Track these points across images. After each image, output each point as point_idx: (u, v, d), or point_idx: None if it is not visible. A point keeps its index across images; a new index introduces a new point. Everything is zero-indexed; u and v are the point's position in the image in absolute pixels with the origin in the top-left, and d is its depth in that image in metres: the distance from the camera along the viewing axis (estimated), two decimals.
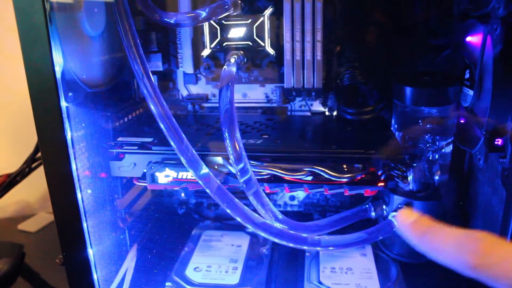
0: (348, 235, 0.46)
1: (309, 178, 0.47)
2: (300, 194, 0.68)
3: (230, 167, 0.48)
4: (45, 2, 0.37)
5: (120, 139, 0.53)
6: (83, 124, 0.45)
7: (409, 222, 0.28)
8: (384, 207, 0.51)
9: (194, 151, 0.46)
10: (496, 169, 0.44)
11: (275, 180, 0.48)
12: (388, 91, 0.54)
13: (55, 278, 0.66)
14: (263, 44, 0.57)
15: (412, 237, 0.28)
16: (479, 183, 0.50)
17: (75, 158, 0.43)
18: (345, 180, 0.47)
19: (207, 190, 0.46)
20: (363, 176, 0.47)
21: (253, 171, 0.46)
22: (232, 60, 0.52)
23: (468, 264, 0.22)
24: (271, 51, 0.57)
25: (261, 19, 0.56)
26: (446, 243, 0.24)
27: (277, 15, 0.56)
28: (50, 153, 0.42)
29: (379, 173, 0.47)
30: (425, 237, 0.26)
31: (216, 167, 0.49)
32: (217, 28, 0.57)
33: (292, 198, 0.68)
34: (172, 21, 0.47)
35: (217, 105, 0.64)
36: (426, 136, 0.50)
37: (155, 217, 0.68)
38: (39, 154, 0.75)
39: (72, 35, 0.44)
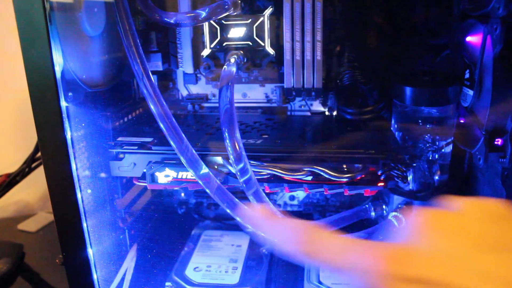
0: (348, 235, 0.46)
1: (309, 178, 0.47)
2: (300, 194, 0.68)
3: (230, 167, 0.48)
4: (45, 2, 0.37)
5: (120, 139, 0.53)
6: (83, 124, 0.45)
7: (254, 214, 0.30)
8: (384, 207, 0.51)
9: (194, 151, 0.46)
10: (496, 169, 0.44)
11: (275, 180, 0.48)
12: (388, 91, 0.54)
13: (55, 278, 0.66)
14: (263, 44, 0.57)
15: (257, 230, 0.30)
16: (479, 183, 0.50)
17: (75, 158, 0.43)
18: (345, 180, 0.47)
19: (207, 190, 0.46)
20: (363, 176, 0.47)
21: (253, 171, 0.46)
22: (232, 60, 0.52)
23: (295, 252, 0.25)
24: (271, 51, 0.57)
25: (261, 19, 0.56)
26: (282, 233, 0.27)
27: (277, 15, 0.56)
28: (50, 153, 0.42)
29: (379, 173, 0.47)
30: (268, 228, 0.28)
31: (216, 167, 0.49)
32: (217, 28, 0.57)
33: (292, 198, 0.68)
34: (172, 21, 0.47)
35: (217, 105, 0.64)
36: (426, 136, 0.50)
37: (155, 217, 0.68)
38: (39, 154, 0.75)
39: (72, 35, 0.44)
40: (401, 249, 0.22)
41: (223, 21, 0.56)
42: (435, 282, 0.20)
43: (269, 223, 0.28)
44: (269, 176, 0.48)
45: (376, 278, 0.21)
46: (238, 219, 0.45)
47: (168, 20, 0.47)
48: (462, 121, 0.51)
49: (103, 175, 0.51)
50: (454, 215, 0.24)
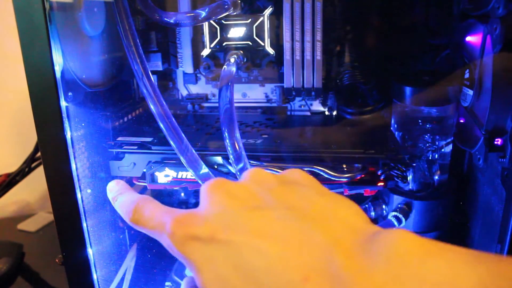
0: None
1: None
2: None
3: (229, 167, 0.48)
4: (44, 2, 0.37)
5: (119, 138, 0.53)
6: (83, 124, 0.45)
7: (108, 187, 0.35)
8: (383, 207, 0.51)
9: (193, 151, 0.46)
10: (495, 169, 0.44)
11: None
12: (387, 91, 0.54)
13: (54, 277, 0.66)
14: (262, 43, 0.57)
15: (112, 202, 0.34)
16: (478, 183, 0.50)
17: (75, 158, 0.43)
18: (344, 180, 0.47)
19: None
20: (363, 176, 0.47)
21: None
22: (232, 60, 0.52)
23: (127, 220, 0.30)
24: (270, 50, 0.57)
25: (261, 18, 0.56)
26: (122, 205, 0.31)
27: (276, 15, 0.56)
28: (50, 152, 0.42)
29: (379, 173, 0.47)
30: (115, 201, 0.33)
31: (216, 166, 0.49)
32: (216, 28, 0.57)
33: None
34: (171, 21, 0.47)
35: (217, 104, 0.65)
36: (426, 136, 0.50)
37: None
38: (39, 154, 0.75)
39: (71, 34, 0.44)
40: (189, 212, 0.25)
41: (223, 21, 0.56)
42: (210, 238, 0.23)
43: (116, 197, 0.33)
44: None
45: (168, 238, 0.25)
46: None
47: (168, 20, 0.47)
48: (462, 121, 0.51)
49: (103, 175, 0.51)
50: (236, 183, 0.28)
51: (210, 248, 0.23)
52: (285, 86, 0.56)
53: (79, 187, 0.44)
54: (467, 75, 0.49)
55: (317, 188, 0.27)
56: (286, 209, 0.24)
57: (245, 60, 0.56)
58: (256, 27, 0.56)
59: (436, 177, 0.49)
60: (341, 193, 0.49)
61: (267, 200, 0.25)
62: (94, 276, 0.48)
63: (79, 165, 0.44)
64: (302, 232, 0.22)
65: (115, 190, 0.34)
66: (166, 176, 0.50)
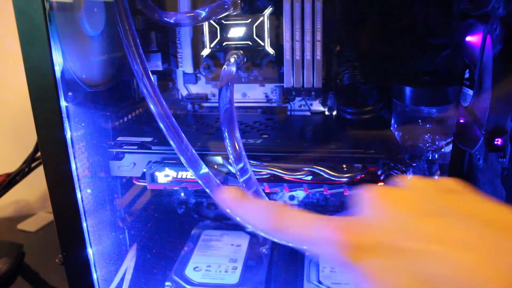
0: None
1: (309, 177, 0.47)
2: (300, 193, 0.68)
3: (229, 167, 0.48)
4: (44, 2, 0.37)
5: (119, 138, 0.53)
6: (83, 124, 0.45)
7: (225, 196, 0.32)
8: None
9: (193, 151, 0.46)
10: (495, 169, 0.44)
11: (274, 179, 0.48)
12: (387, 91, 0.54)
13: (54, 277, 0.66)
14: (262, 43, 0.57)
15: (230, 210, 0.32)
16: (478, 183, 0.50)
17: (74, 158, 0.43)
18: (344, 179, 0.47)
19: (207, 190, 0.46)
20: (363, 175, 0.47)
21: (253, 170, 0.46)
22: (232, 60, 0.52)
23: (266, 229, 0.27)
24: (270, 50, 0.57)
25: (261, 18, 0.56)
26: (253, 213, 0.29)
27: (276, 15, 0.56)
28: (50, 152, 0.42)
29: (379, 172, 0.47)
30: (239, 209, 0.30)
31: (215, 166, 0.49)
32: (216, 28, 0.57)
33: (292, 197, 0.68)
34: (171, 21, 0.47)
35: (216, 104, 0.65)
36: (426, 136, 0.50)
37: (154, 216, 0.68)
38: (39, 154, 0.75)
39: (71, 34, 0.44)
40: (355, 220, 0.24)
41: (223, 21, 0.56)
42: (385, 247, 0.22)
43: (240, 204, 0.30)
44: (269, 175, 0.48)
45: (335, 248, 0.23)
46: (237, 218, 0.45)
47: (168, 20, 0.47)
48: (462, 121, 0.51)
49: (102, 174, 0.51)
50: (399, 190, 0.26)
51: (387, 257, 0.22)
52: (285, 86, 0.56)
53: (79, 187, 0.44)
54: (467, 75, 0.49)
55: (476, 195, 0.25)
56: (464, 215, 0.22)
57: (245, 60, 0.56)
58: (256, 27, 0.56)
59: (436, 177, 0.49)
60: (341, 193, 0.49)
61: (439, 206, 0.24)
62: (94, 276, 0.48)
63: (79, 165, 0.44)
64: (494, 240, 0.20)
65: (238, 195, 0.31)
66: (166, 176, 0.50)
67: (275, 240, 0.27)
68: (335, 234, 0.23)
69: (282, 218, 0.26)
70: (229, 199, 0.31)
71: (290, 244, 0.27)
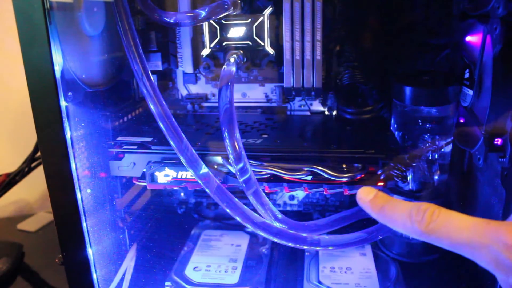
0: (348, 234, 0.46)
1: (309, 177, 0.47)
2: (300, 193, 0.68)
3: (229, 167, 0.48)
4: (44, 2, 0.37)
5: (119, 138, 0.53)
6: (83, 124, 0.45)
7: (368, 198, 0.32)
8: None
9: (193, 151, 0.46)
10: (495, 169, 0.44)
11: (274, 179, 0.48)
12: (387, 91, 0.54)
13: (54, 277, 0.66)
14: (262, 43, 0.57)
15: (372, 212, 0.32)
16: (478, 182, 0.50)
17: (74, 158, 0.43)
18: (344, 179, 0.47)
19: (207, 190, 0.46)
20: (363, 175, 0.47)
21: (253, 170, 0.46)
22: (232, 60, 0.52)
23: (417, 231, 0.26)
24: (270, 50, 0.57)
25: (261, 18, 0.56)
26: (399, 215, 0.28)
27: (276, 15, 0.56)
28: (50, 152, 0.42)
29: (379, 172, 0.47)
30: (383, 211, 0.30)
31: (215, 166, 0.49)
32: (216, 28, 0.57)
33: (292, 197, 0.68)
34: (171, 21, 0.47)
35: (216, 104, 0.65)
36: (426, 136, 0.50)
37: (154, 216, 0.68)
38: (39, 154, 0.75)
39: (71, 34, 0.44)
40: None
41: (222, 21, 0.56)
42: None
43: (387, 206, 0.29)
44: (268, 175, 0.48)
45: (505, 253, 0.22)
46: (238, 218, 0.45)
47: (168, 20, 0.47)
48: (461, 121, 0.51)
49: (102, 174, 0.51)
50: None
51: None
52: (285, 86, 0.56)
53: (79, 187, 0.44)
54: (467, 75, 0.49)
55: None
56: None
57: (245, 60, 0.56)
58: (256, 27, 0.56)
59: (436, 177, 0.49)
60: (341, 193, 0.49)
61: None
62: (94, 276, 0.48)
63: (79, 165, 0.44)
64: None
65: (379, 196, 0.31)
66: (166, 176, 0.50)
67: (423, 239, 0.26)
68: (505, 236, 0.22)
69: (437, 218, 0.25)
70: (370, 199, 0.31)
71: (442, 247, 0.26)
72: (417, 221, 0.26)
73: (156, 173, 0.50)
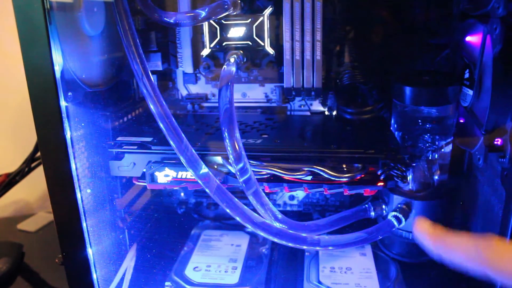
0: (348, 234, 0.46)
1: (309, 177, 0.47)
2: (300, 193, 0.68)
3: (229, 167, 0.48)
4: (44, 1, 0.37)
5: (119, 138, 0.53)
6: (83, 124, 0.45)
7: (426, 231, 0.32)
8: (383, 206, 0.51)
9: (193, 151, 0.46)
10: (495, 169, 0.44)
11: (274, 179, 0.48)
12: (387, 91, 0.54)
13: (54, 277, 0.66)
14: (262, 43, 0.57)
15: (429, 246, 0.31)
16: (478, 183, 0.50)
17: (74, 158, 0.43)
18: (344, 179, 0.47)
19: (207, 190, 0.46)
20: (363, 175, 0.47)
21: (253, 170, 0.46)
22: (232, 60, 0.52)
23: (481, 269, 0.26)
24: (270, 50, 0.57)
25: (261, 18, 0.56)
26: (460, 251, 0.27)
27: (276, 15, 0.56)
28: (50, 152, 0.42)
29: (379, 172, 0.47)
30: (442, 246, 0.29)
31: (215, 166, 0.49)
32: (216, 28, 0.57)
33: (292, 197, 0.68)
34: (171, 21, 0.47)
35: (216, 104, 0.65)
36: (426, 136, 0.50)
37: (154, 216, 0.68)
38: (39, 154, 0.74)
39: (71, 34, 0.44)
40: None
41: (222, 21, 0.56)
42: None
43: (446, 241, 0.29)
44: (268, 175, 0.48)
45: None
46: (237, 218, 0.45)
47: (168, 20, 0.47)
48: (461, 121, 0.51)
49: (102, 174, 0.51)
50: None
51: None
52: (285, 86, 0.56)
53: (79, 187, 0.44)
54: (467, 75, 0.49)
55: None
56: None
57: (245, 60, 0.56)
58: (256, 27, 0.56)
59: (436, 177, 0.49)
60: (341, 193, 0.49)
61: None
62: (94, 276, 0.48)
63: (79, 165, 0.44)
64: None
65: (438, 231, 0.31)
66: (166, 176, 0.50)
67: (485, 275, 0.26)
68: None
69: (498, 257, 0.25)
70: (430, 235, 0.31)
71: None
72: (482, 259, 0.26)
73: (156, 173, 0.50)
